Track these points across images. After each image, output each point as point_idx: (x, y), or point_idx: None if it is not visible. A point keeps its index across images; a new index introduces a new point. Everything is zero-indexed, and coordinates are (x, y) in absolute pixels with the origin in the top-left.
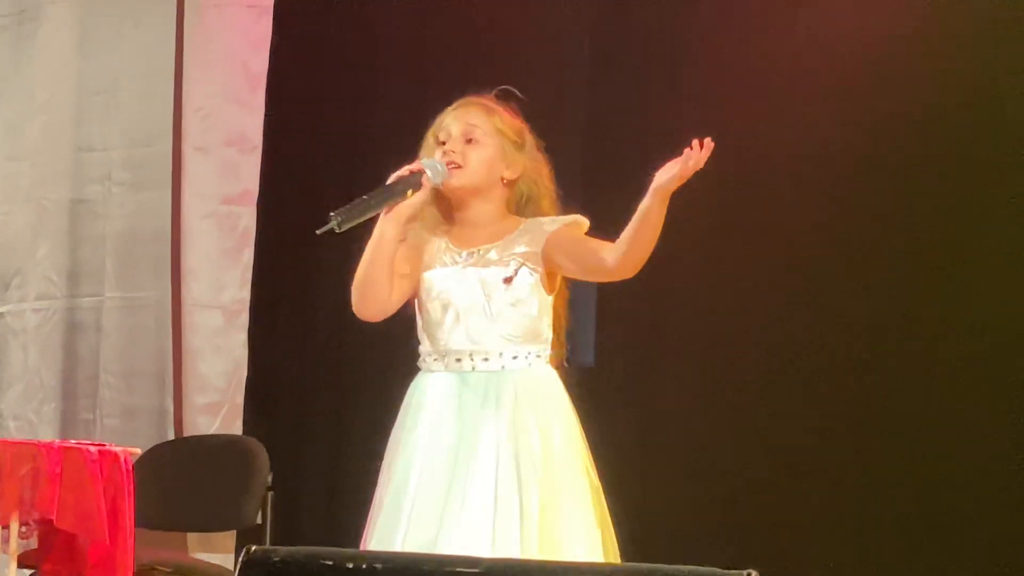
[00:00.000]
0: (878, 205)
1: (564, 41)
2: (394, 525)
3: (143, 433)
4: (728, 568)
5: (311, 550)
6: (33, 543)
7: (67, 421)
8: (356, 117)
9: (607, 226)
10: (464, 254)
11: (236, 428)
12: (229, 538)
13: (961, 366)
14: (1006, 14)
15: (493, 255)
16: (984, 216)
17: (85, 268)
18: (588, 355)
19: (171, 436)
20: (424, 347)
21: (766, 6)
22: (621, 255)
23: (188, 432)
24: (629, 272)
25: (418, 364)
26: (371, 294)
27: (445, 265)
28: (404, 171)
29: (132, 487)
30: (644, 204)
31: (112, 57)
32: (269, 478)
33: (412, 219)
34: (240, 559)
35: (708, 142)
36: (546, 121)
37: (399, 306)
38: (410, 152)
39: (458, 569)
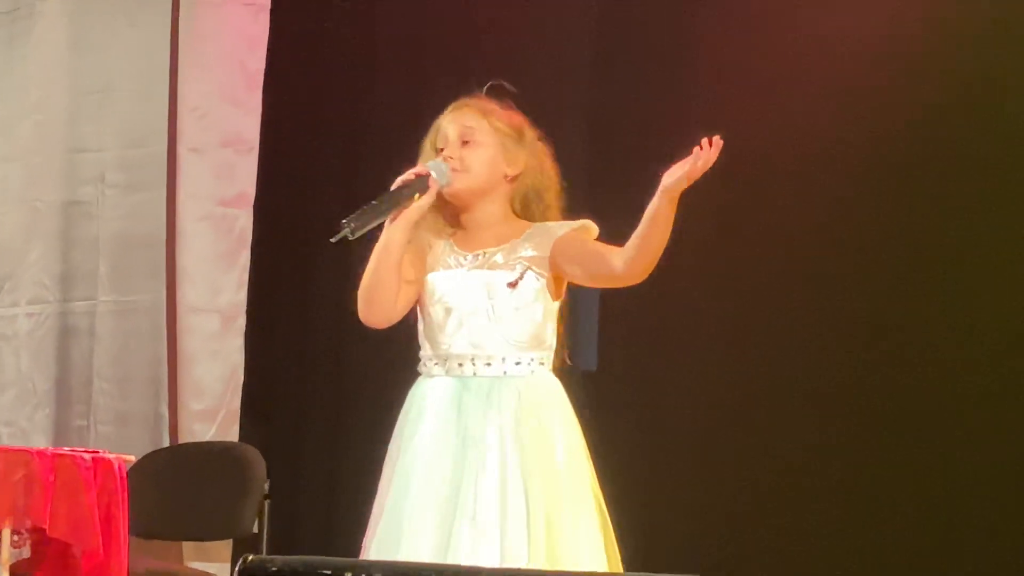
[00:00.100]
0: (884, 207)
1: (566, 38)
2: (395, 534)
3: (137, 440)
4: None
5: (309, 559)
6: (26, 552)
7: (60, 428)
8: (355, 117)
9: (613, 229)
10: (469, 256)
11: (232, 435)
12: (225, 547)
13: (971, 370)
14: (1013, 14)
15: (499, 258)
16: (991, 217)
17: (78, 271)
18: (591, 359)
19: (166, 443)
20: (425, 351)
21: (771, 4)
22: (630, 259)
23: (183, 439)
24: (638, 277)
25: (418, 369)
26: (378, 301)
27: (449, 267)
28: (409, 175)
29: (126, 495)
30: (652, 206)
31: (106, 56)
32: (266, 486)
33: (417, 224)
34: (236, 568)
35: (717, 140)
36: (549, 122)
37: (405, 312)
38: (410, 153)
39: None
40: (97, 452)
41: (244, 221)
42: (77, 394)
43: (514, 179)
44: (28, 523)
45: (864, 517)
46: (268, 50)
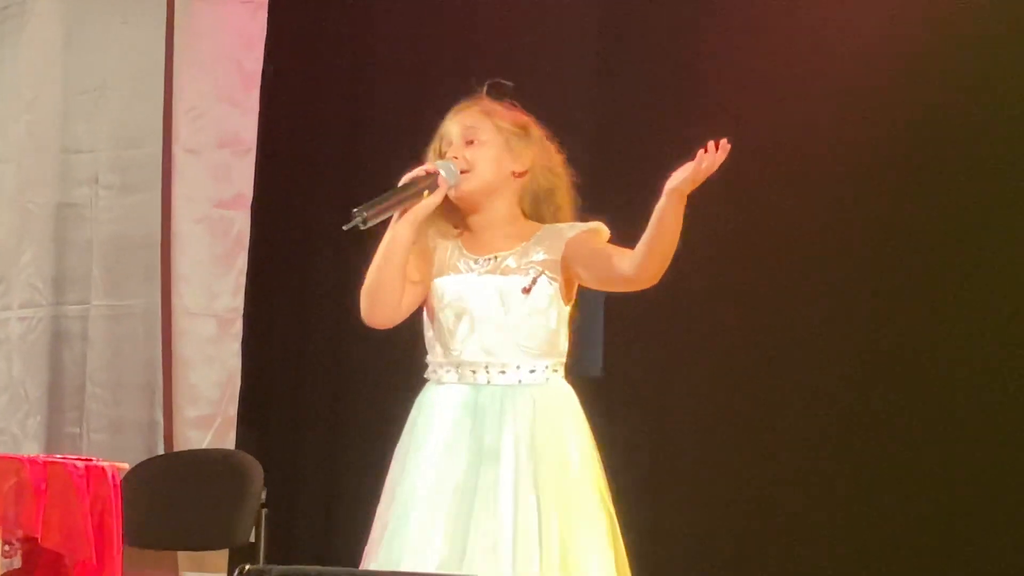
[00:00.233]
0: (894, 211)
1: (568, 38)
2: (403, 544)
3: (131, 447)
4: None
5: (306, 569)
6: (17, 562)
7: (52, 435)
8: (354, 118)
9: (617, 232)
10: (480, 261)
11: (229, 442)
12: (221, 557)
13: (977, 371)
14: (1015, 14)
15: (511, 263)
16: (999, 217)
17: (71, 275)
18: (595, 365)
19: (161, 450)
20: (435, 357)
21: (776, 5)
22: (640, 263)
23: (179, 446)
24: (650, 281)
25: (425, 375)
26: (382, 300)
27: (459, 272)
28: (419, 171)
29: (120, 504)
30: (659, 207)
31: (100, 55)
32: (263, 494)
33: (424, 223)
34: None
35: (724, 144)
36: (551, 123)
37: (409, 313)
38: (410, 154)
39: None
40: (90, 460)
41: (241, 223)
42: (70, 400)
43: (521, 175)
44: (20, 532)
45: (872, 520)
46: (266, 49)
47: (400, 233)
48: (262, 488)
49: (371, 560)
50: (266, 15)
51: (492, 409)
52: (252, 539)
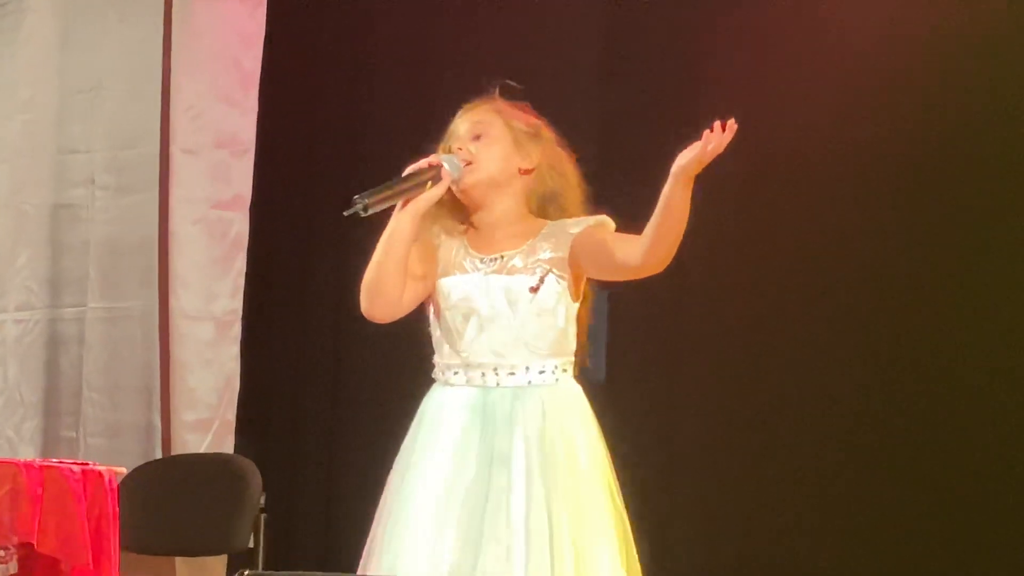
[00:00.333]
0: (899, 211)
1: (572, 36)
2: (408, 549)
3: (129, 451)
4: None
5: (305, 575)
6: (12, 568)
7: (49, 439)
8: (354, 118)
9: (625, 223)
10: (487, 260)
11: (227, 446)
12: (220, 563)
13: (983, 373)
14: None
15: (518, 262)
16: (1001, 217)
17: (67, 277)
18: (598, 370)
19: (158, 455)
20: (442, 358)
21: (778, 7)
22: (647, 248)
23: (176, 450)
24: (657, 266)
25: (432, 375)
26: (382, 292)
27: (465, 271)
28: (422, 163)
29: (117, 509)
30: (665, 191)
31: (96, 54)
32: (262, 499)
33: (427, 217)
34: None
35: (731, 124)
36: (555, 121)
37: (410, 309)
38: (411, 154)
39: None
40: (87, 464)
41: (240, 225)
42: (66, 404)
43: (528, 172)
44: (15, 538)
45: (878, 523)
46: (264, 48)
47: (402, 224)
48: (261, 493)
49: (374, 564)
50: (264, 14)
51: (502, 412)
52: (251, 545)
